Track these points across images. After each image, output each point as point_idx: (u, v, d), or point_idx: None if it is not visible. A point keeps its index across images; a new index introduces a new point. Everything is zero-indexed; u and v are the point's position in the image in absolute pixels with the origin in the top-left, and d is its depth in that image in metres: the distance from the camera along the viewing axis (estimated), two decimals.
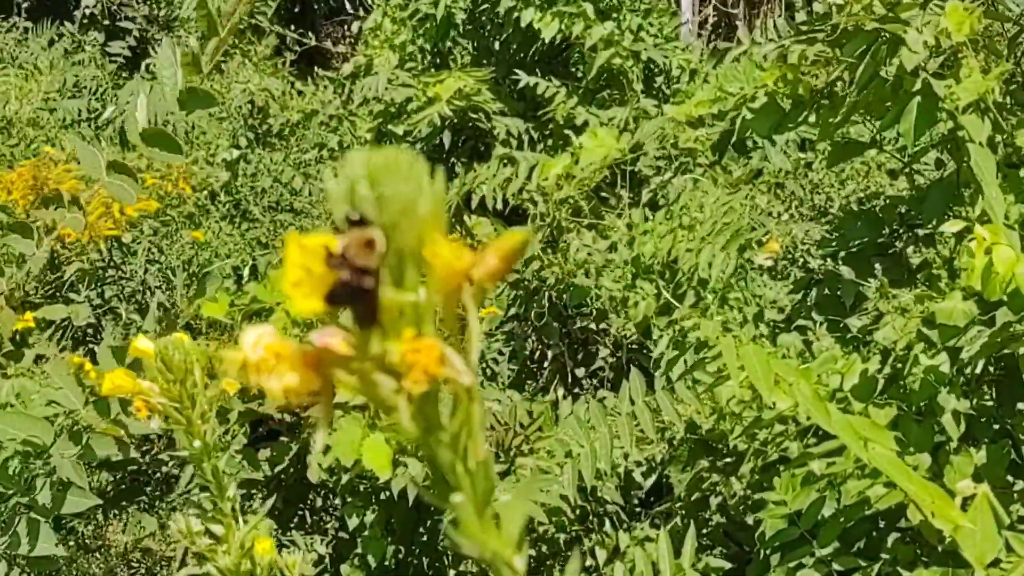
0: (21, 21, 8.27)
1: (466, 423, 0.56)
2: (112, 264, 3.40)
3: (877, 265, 2.81)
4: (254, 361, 0.54)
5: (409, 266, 0.54)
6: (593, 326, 3.81)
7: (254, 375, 0.54)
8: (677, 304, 3.27)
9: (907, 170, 3.07)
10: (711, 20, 6.53)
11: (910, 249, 2.94)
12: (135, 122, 2.15)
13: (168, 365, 1.04)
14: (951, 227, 2.50)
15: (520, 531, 0.60)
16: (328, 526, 2.99)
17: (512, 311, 4.06)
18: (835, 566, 2.55)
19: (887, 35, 2.73)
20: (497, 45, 5.04)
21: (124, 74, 7.01)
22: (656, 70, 4.78)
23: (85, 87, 6.38)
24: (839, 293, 2.95)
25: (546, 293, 3.79)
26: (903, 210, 3.02)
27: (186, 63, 2.21)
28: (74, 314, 2.48)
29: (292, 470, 2.93)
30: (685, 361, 2.89)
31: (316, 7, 7.29)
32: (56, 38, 7.28)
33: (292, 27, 5.75)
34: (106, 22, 8.27)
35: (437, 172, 0.54)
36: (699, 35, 6.17)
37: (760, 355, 2.46)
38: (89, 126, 5.93)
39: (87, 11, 8.50)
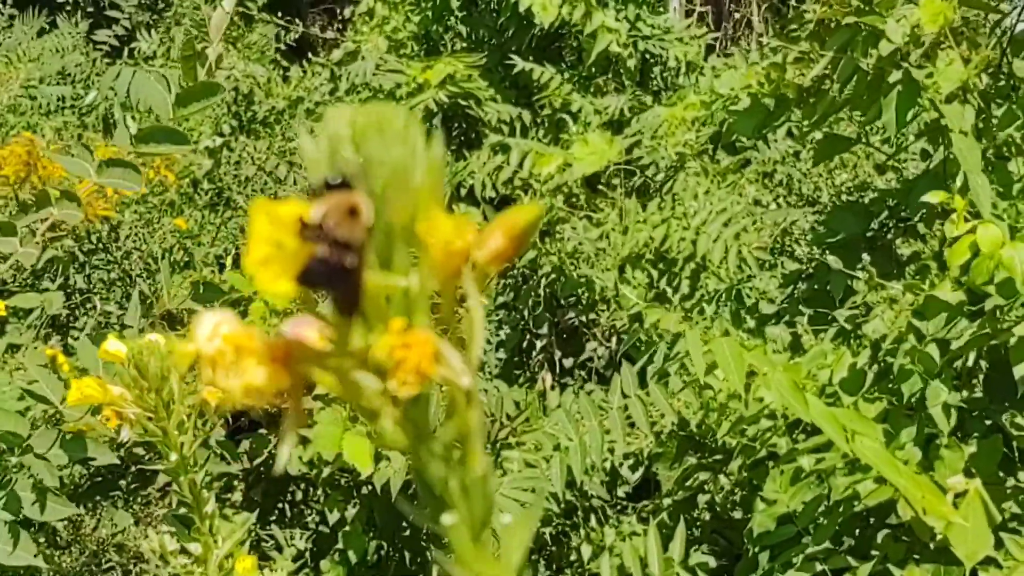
0: (6, 8, 8.19)
1: (463, 432, 0.49)
2: (100, 248, 3.35)
3: (866, 256, 2.76)
4: (209, 354, 0.46)
5: (400, 244, 0.47)
6: (583, 316, 3.76)
7: (210, 371, 0.46)
8: (651, 303, 3.22)
9: (893, 162, 3.03)
10: (697, 11, 6.48)
11: (899, 241, 2.90)
12: (125, 130, 2.10)
13: (142, 371, 0.97)
14: (933, 197, 2.44)
15: (523, 558, 0.52)
16: (308, 519, 2.94)
17: (501, 299, 4.01)
18: (825, 565, 2.51)
19: (867, 29, 2.69)
20: (491, 31, 4.98)
21: (109, 62, 6.95)
22: (652, 61, 4.73)
23: (70, 75, 6.30)
24: (828, 286, 2.90)
25: (539, 281, 3.74)
26: (891, 202, 2.98)
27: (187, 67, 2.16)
28: (47, 303, 2.42)
29: (272, 462, 2.88)
30: (653, 353, 2.85)
31: None
32: (47, 27, 7.21)
33: (279, 14, 5.68)
34: (90, 9, 8.20)
35: (435, 135, 0.47)
36: (689, 28, 6.11)
37: (733, 347, 2.42)
38: (72, 113, 5.87)
39: None
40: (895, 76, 2.51)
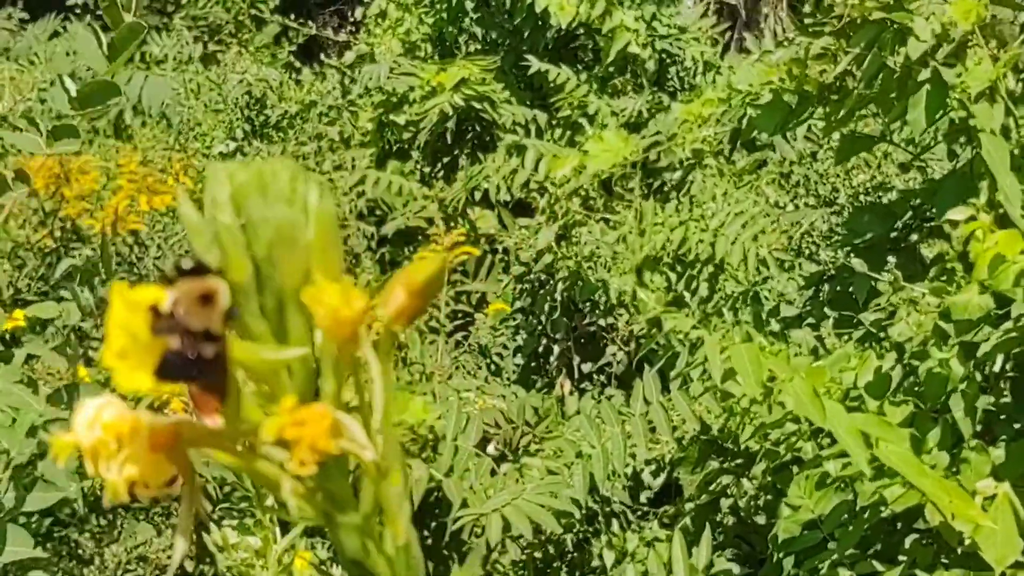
0: (17, 12, 8.20)
1: (380, 502, 0.46)
2: (127, 261, 3.32)
3: (890, 259, 2.73)
4: (88, 445, 0.42)
5: (292, 312, 0.44)
6: (602, 321, 3.73)
7: (90, 463, 0.42)
8: (670, 307, 3.19)
9: (918, 162, 2.99)
10: (711, 9, 6.45)
11: (923, 243, 2.87)
12: (65, 91, 2.08)
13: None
14: (959, 213, 2.42)
15: None
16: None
17: (518, 304, 3.98)
18: (852, 571, 2.48)
19: (894, 25, 2.65)
20: (505, 33, 4.95)
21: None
22: (669, 61, 4.70)
23: (80, 78, 6.29)
24: (851, 289, 2.87)
25: (556, 286, 3.72)
26: (915, 203, 2.94)
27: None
28: (65, 313, 2.41)
29: None
30: (674, 360, 2.82)
31: None
32: (61, 30, 7.21)
33: (291, 16, 5.67)
34: (100, 12, 8.18)
35: (324, 189, 0.44)
36: (705, 27, 6.09)
37: (752, 353, 2.39)
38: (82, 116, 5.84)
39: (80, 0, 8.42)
40: (924, 75, 2.47)
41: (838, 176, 4.67)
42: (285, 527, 1.10)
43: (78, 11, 8.33)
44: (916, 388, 2.57)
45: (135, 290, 0.41)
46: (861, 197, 4.10)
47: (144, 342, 0.40)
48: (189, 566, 2.57)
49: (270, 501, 1.29)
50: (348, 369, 0.44)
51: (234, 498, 1.15)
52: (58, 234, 2.80)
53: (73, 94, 1.93)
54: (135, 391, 0.40)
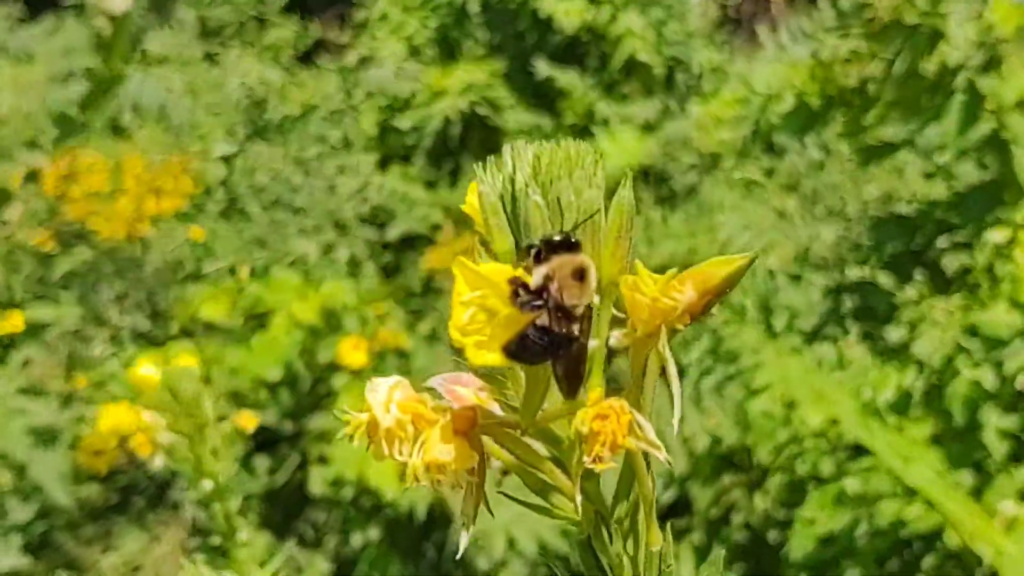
0: (16, 11, 8.14)
1: (642, 504, 0.45)
2: (131, 264, 3.25)
3: (918, 276, 2.66)
4: (387, 426, 0.41)
5: (604, 301, 0.42)
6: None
7: (387, 446, 0.41)
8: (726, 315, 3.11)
9: (942, 173, 2.92)
10: (721, 14, 6.40)
11: (946, 256, 2.80)
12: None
13: (176, 396, 0.90)
14: (997, 234, 2.35)
15: None
16: (330, 541, 2.84)
17: None
18: None
19: (926, 29, 2.58)
20: (510, 36, 4.88)
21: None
22: (678, 65, 4.63)
23: (78, 75, 6.23)
24: (869, 303, 2.81)
25: None
26: (938, 215, 2.87)
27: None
28: (62, 318, 2.33)
29: (291, 481, 2.78)
30: (710, 370, 2.74)
31: None
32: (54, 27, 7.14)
33: (299, 15, 5.61)
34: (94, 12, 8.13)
35: (626, 176, 0.41)
36: (714, 30, 6.05)
37: (801, 369, 2.33)
38: (82, 114, 5.79)
39: None
40: (958, 82, 2.40)
41: (847, 188, 4.61)
42: (300, 540, 1.05)
43: (76, 8, 8.28)
44: (939, 404, 2.50)
45: (484, 265, 0.38)
46: (872, 209, 4.03)
47: (501, 318, 0.38)
48: None
49: (242, 535, 1.21)
50: (638, 363, 0.43)
51: (212, 531, 1.10)
52: (60, 234, 2.73)
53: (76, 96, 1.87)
54: (484, 366, 0.38)
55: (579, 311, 0.40)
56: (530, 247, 0.39)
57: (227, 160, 4.46)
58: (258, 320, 2.79)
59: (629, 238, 0.42)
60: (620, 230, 0.42)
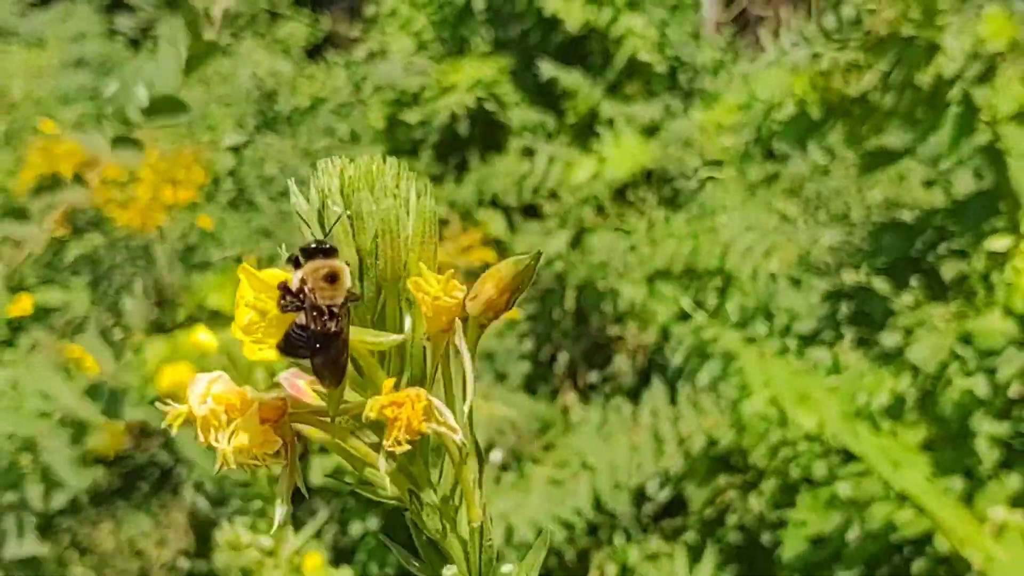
0: None
1: (460, 484, 0.49)
2: (142, 253, 3.28)
3: (915, 283, 2.70)
4: (202, 415, 0.46)
5: (391, 300, 0.46)
6: (611, 331, 3.70)
7: (202, 433, 0.46)
8: (692, 312, 3.15)
9: (941, 181, 2.96)
10: (726, 15, 6.43)
11: (944, 263, 2.83)
12: (136, 100, 2.07)
13: (234, 361, 0.95)
14: (997, 243, 2.39)
15: None
16: (327, 531, 2.88)
17: (523, 310, 3.95)
18: None
19: (922, 42, 2.62)
20: (515, 34, 4.92)
21: (133, 51, 6.89)
22: (681, 66, 4.66)
23: (89, 62, 6.26)
24: (867, 308, 2.84)
25: (564, 293, 3.68)
26: (937, 222, 2.91)
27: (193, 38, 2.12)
28: (72, 302, 2.37)
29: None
30: (697, 370, 2.78)
31: None
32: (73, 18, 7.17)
33: (310, 8, 5.65)
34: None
35: (425, 184, 0.46)
36: (719, 31, 6.07)
37: (786, 371, 2.36)
38: (91, 102, 5.82)
39: None
40: (953, 94, 2.44)
41: (850, 193, 4.65)
42: (297, 529, 1.10)
43: None
44: (932, 410, 2.54)
45: (262, 271, 0.44)
46: (875, 215, 4.07)
47: (271, 318, 0.44)
48: (186, 563, 2.54)
49: (282, 502, 1.26)
50: (440, 357, 0.47)
51: (248, 494, 1.13)
52: (77, 222, 2.77)
53: (144, 103, 1.92)
54: (262, 362, 0.44)
55: (336, 310, 0.44)
56: (290, 256, 0.44)
57: (236, 150, 4.50)
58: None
59: (434, 243, 0.47)
60: (423, 235, 0.46)
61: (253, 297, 0.44)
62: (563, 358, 3.84)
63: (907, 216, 3.07)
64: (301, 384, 0.48)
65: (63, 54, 6.24)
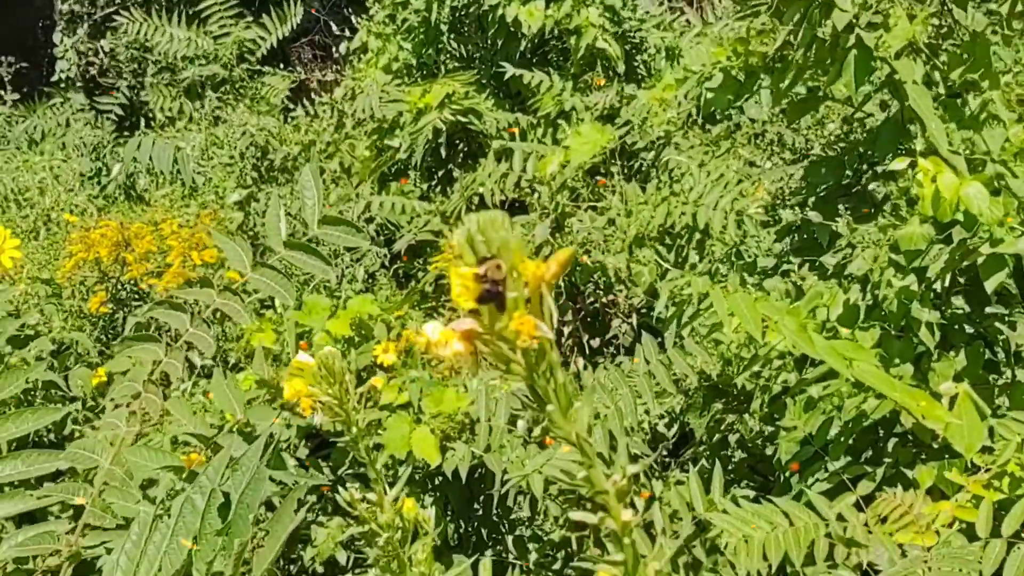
0: (8, 95, 8.54)
1: (550, 363, 0.86)
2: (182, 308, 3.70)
3: (841, 206, 3.11)
4: (434, 340, 0.83)
5: (509, 280, 0.84)
6: (603, 299, 4.11)
7: (435, 349, 0.82)
8: (674, 268, 3.56)
9: (857, 115, 3.37)
10: None
11: (872, 186, 3.24)
12: (277, 232, 2.10)
13: (330, 371, 1.32)
14: (899, 164, 2.80)
15: (589, 420, 0.91)
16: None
17: None
18: (845, 474, 2.86)
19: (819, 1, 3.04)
20: (481, 48, 5.32)
21: (121, 134, 7.28)
22: (634, 50, 5.07)
23: (76, 147, 6.64)
24: (815, 236, 3.25)
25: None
26: (862, 151, 3.32)
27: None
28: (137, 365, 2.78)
29: (351, 471, 3.24)
30: (681, 316, 3.19)
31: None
32: (61, 108, 7.57)
33: (280, 65, 6.05)
34: (80, 84, 8.53)
35: (515, 224, 0.83)
36: (660, 3, 6.47)
37: (747, 300, 2.77)
38: (93, 186, 6.21)
39: (63, 75, 8.78)
40: (850, 41, 2.85)
41: (810, 128, 5.03)
42: (392, 484, 1.45)
43: (63, 85, 8.70)
44: (881, 314, 2.95)
45: (458, 269, 0.79)
46: (823, 150, 4.46)
47: (471, 288, 0.80)
48: None
49: (378, 465, 1.71)
50: (536, 302, 0.84)
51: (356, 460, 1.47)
52: (120, 296, 3.18)
53: (283, 236, 2.05)
54: (468, 307, 0.79)
55: (500, 283, 0.79)
56: (480, 259, 0.79)
57: (241, 205, 4.94)
58: (298, 340, 3.25)
59: (524, 247, 0.81)
60: (521, 247, 0.80)
61: (459, 279, 0.78)
62: (567, 331, 4.26)
63: (833, 150, 3.47)
64: (465, 323, 0.81)
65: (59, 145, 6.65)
